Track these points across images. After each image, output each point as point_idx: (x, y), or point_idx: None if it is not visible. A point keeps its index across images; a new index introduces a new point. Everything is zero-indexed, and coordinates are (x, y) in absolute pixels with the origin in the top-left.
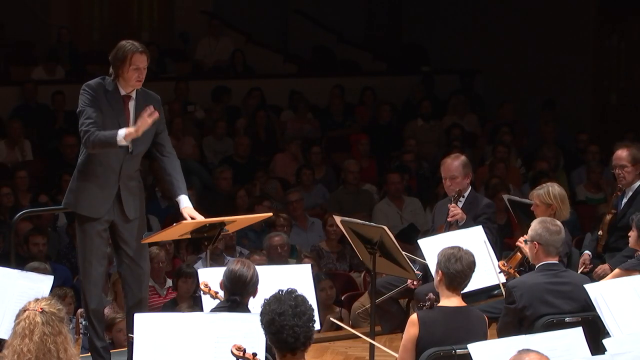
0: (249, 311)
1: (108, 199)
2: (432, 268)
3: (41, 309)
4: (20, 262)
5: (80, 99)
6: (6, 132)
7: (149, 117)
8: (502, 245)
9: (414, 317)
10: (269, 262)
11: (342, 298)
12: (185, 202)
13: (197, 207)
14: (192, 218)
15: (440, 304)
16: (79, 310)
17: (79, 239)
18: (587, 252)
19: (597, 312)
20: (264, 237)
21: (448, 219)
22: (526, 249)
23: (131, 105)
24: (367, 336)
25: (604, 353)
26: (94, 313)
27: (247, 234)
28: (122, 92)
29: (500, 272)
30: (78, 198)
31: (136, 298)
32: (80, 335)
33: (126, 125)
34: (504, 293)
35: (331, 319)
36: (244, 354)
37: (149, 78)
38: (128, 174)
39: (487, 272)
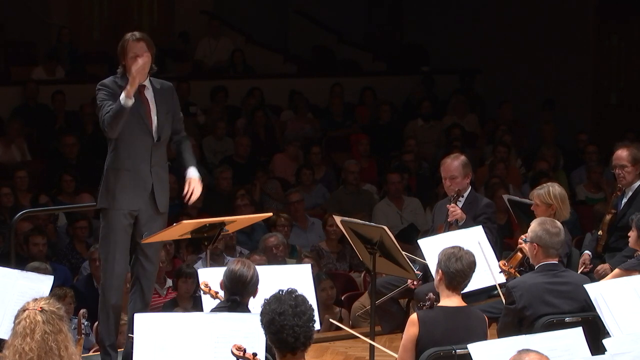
0: (249, 311)
1: (143, 192)
2: (432, 268)
3: (41, 307)
4: (20, 262)
5: (97, 98)
6: (6, 132)
7: (135, 65)
8: (502, 245)
9: (413, 317)
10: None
11: (342, 298)
12: (191, 173)
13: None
14: (190, 185)
15: (440, 304)
16: (82, 311)
17: (103, 234)
18: (587, 252)
19: (597, 312)
20: (252, 237)
21: (448, 219)
22: (526, 248)
23: (148, 94)
24: (367, 336)
25: (604, 353)
26: (114, 308)
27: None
28: None
29: (500, 272)
30: (113, 195)
31: (145, 296)
32: (82, 335)
33: (147, 114)
34: (501, 294)
35: (330, 320)
36: (244, 353)
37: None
38: (159, 163)
39: (487, 272)
